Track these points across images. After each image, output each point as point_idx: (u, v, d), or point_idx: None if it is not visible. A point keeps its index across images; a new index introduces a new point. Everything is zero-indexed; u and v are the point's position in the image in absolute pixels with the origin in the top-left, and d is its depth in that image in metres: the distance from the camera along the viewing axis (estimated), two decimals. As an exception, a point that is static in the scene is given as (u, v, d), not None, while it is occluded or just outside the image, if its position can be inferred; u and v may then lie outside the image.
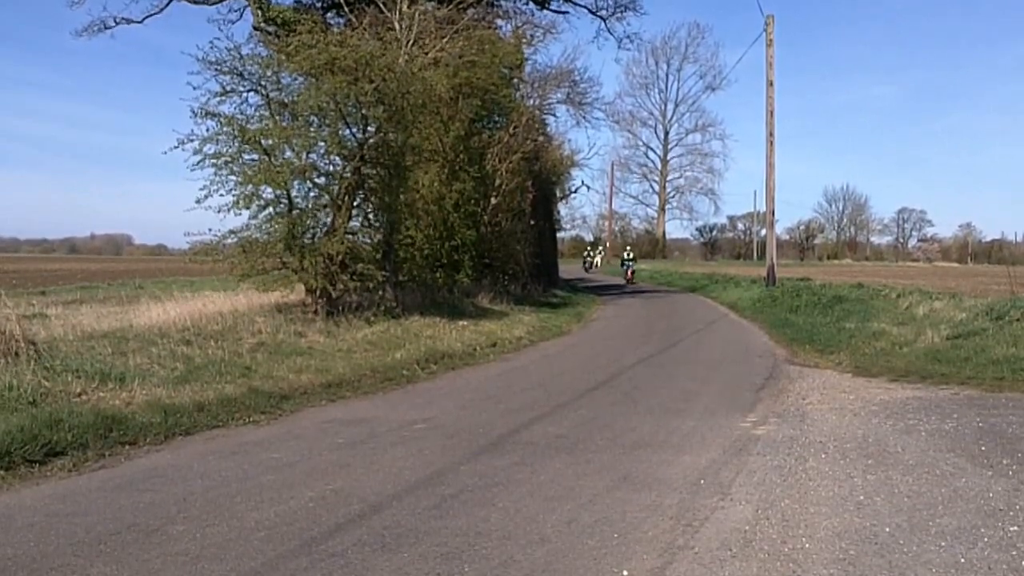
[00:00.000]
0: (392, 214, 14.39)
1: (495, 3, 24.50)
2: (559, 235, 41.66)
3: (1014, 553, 3.92)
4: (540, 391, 9.02)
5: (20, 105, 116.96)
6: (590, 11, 28.01)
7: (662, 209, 66.68)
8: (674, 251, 76.42)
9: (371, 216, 14.51)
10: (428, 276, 16.77)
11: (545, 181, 27.56)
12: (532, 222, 24.14)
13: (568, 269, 43.21)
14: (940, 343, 11.30)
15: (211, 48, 12.27)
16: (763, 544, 4.12)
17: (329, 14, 23.05)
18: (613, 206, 67.18)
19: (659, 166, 67.20)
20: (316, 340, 11.18)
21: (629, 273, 39.12)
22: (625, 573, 3.76)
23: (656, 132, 67.59)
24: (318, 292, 12.75)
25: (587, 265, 52.38)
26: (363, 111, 13.19)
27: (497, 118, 21.01)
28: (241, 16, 25.20)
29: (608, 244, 62.68)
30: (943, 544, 4.06)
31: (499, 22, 23.77)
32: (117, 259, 71.82)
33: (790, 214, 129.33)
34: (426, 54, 16.47)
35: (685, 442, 6.43)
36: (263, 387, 8.21)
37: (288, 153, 12.69)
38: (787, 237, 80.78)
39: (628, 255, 40.75)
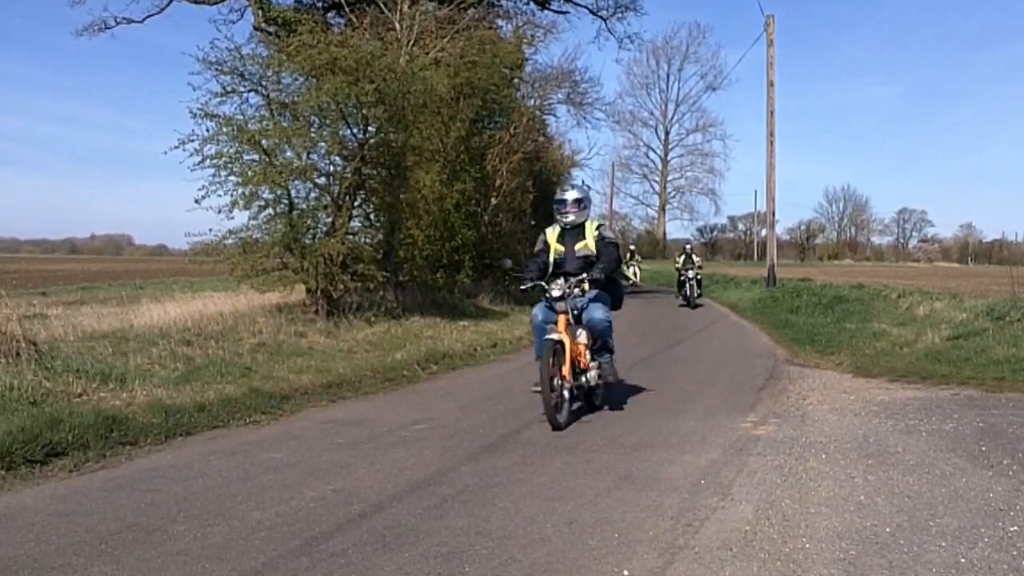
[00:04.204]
0: (393, 214, 14.40)
1: (496, 3, 24.53)
2: (559, 235, 41.34)
3: (1014, 553, 3.92)
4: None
5: (20, 105, 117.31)
6: (591, 11, 28.06)
7: (662, 209, 66.70)
8: (675, 251, 76.24)
9: (372, 216, 14.52)
10: (429, 276, 16.78)
11: (546, 181, 27.56)
12: (532, 222, 24.15)
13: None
14: (940, 343, 11.29)
15: (211, 48, 12.32)
16: (763, 544, 4.11)
17: (330, 14, 23.07)
18: (613, 206, 67.21)
19: (659, 166, 67.22)
20: (317, 340, 11.19)
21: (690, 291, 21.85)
22: (626, 573, 3.76)
23: (657, 132, 67.64)
24: (318, 292, 12.76)
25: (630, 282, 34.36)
26: (364, 111, 13.19)
27: (498, 118, 21.03)
28: (242, 16, 25.27)
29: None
30: (943, 544, 4.05)
31: (500, 22, 23.83)
32: (117, 259, 71.99)
33: (790, 214, 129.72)
34: (427, 54, 16.49)
35: (685, 442, 6.43)
36: (264, 387, 8.20)
37: (288, 153, 12.71)
38: (787, 237, 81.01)
39: (690, 255, 22.20)
